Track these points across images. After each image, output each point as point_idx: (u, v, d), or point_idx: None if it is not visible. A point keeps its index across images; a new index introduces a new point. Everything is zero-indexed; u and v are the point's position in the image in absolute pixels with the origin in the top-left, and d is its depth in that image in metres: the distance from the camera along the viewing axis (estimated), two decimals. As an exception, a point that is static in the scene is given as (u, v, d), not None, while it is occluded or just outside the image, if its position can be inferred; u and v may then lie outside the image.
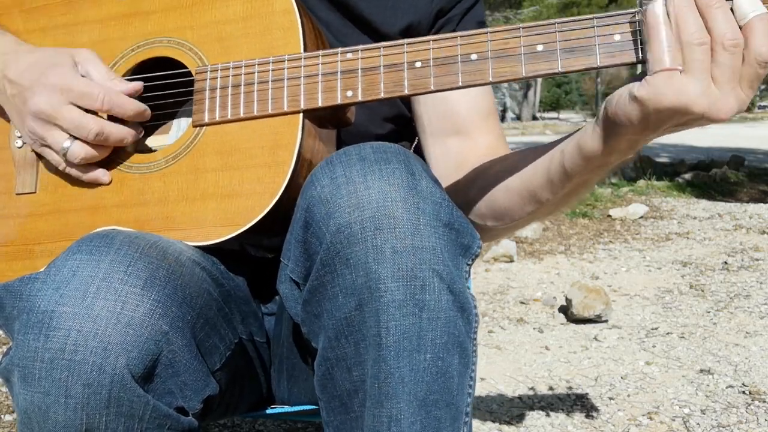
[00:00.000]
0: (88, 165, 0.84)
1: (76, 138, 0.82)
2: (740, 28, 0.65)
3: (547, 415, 1.84)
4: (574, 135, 0.79)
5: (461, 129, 1.00)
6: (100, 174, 0.85)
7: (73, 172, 0.85)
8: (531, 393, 1.98)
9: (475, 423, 1.80)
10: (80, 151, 0.82)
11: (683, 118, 0.67)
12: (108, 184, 0.85)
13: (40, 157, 0.88)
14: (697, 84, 0.65)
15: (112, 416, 0.64)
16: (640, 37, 0.71)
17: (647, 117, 0.68)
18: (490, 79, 0.75)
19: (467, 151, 0.99)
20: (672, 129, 0.71)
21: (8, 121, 0.89)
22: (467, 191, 0.94)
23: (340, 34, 0.99)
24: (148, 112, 0.86)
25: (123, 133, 0.84)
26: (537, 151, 0.85)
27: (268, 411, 0.95)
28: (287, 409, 0.94)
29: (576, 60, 0.73)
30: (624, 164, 0.82)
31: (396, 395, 0.65)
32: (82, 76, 0.83)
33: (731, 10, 0.66)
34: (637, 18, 0.71)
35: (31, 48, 0.88)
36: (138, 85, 0.85)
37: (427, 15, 1.01)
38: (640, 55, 0.71)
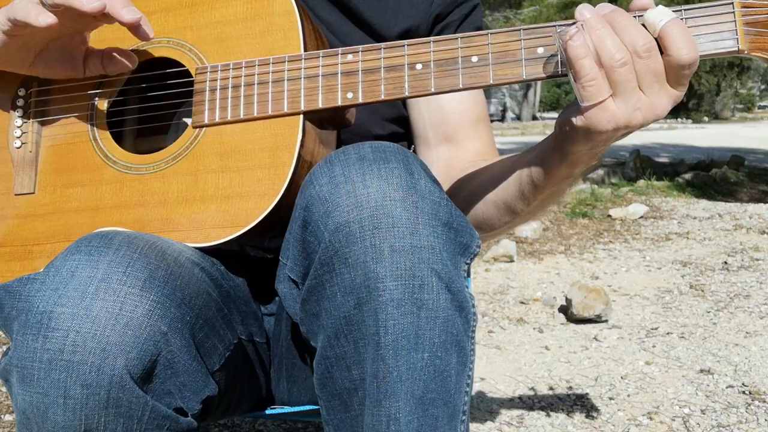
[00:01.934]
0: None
1: None
2: (656, 40, 0.68)
3: (547, 415, 1.84)
4: (538, 150, 0.82)
5: (451, 136, 1.03)
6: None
7: (45, 19, 0.75)
8: (531, 393, 1.98)
9: (475, 423, 1.80)
10: None
11: (626, 130, 0.71)
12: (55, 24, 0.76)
13: (43, 149, 0.87)
14: (629, 103, 0.69)
15: (110, 417, 0.64)
16: (561, 69, 0.72)
17: (592, 139, 0.72)
18: (491, 82, 0.75)
19: (455, 158, 1.02)
20: (623, 136, 0.74)
21: (6, 111, 0.89)
22: (454, 199, 0.95)
23: (341, 33, 1.00)
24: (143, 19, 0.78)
25: None
26: (510, 162, 0.88)
27: (268, 411, 0.95)
28: (287, 409, 0.94)
29: None
30: (591, 170, 0.86)
31: (394, 394, 0.65)
32: None
33: (643, 25, 0.69)
34: (556, 45, 0.71)
35: None
36: None
37: (425, 19, 1.02)
38: None
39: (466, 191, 0.95)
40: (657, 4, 0.71)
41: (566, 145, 0.75)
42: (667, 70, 0.68)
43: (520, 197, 0.86)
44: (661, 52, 0.68)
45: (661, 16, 0.68)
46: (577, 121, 0.71)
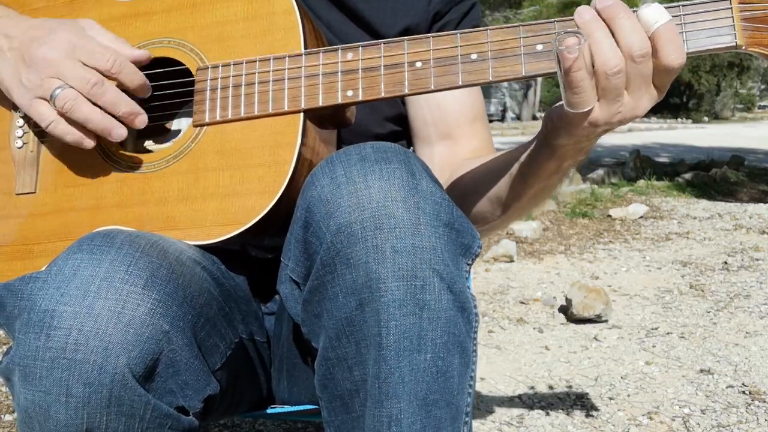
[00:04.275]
0: (73, 123, 0.79)
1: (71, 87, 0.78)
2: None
3: (547, 414, 1.84)
4: (527, 145, 0.84)
5: (449, 134, 1.04)
6: (84, 137, 0.80)
7: (56, 129, 0.79)
8: (531, 393, 1.99)
9: (475, 423, 1.80)
10: (70, 95, 0.77)
11: (606, 128, 0.72)
12: (92, 147, 0.81)
13: (45, 147, 0.87)
14: (612, 108, 0.70)
15: (112, 415, 0.64)
16: (557, 69, 0.71)
17: (574, 135, 0.75)
18: (490, 79, 0.75)
19: (453, 156, 1.03)
20: (605, 132, 0.76)
21: (9, 110, 0.89)
22: (450, 195, 0.95)
23: (340, 32, 1.00)
24: (149, 88, 0.83)
25: (121, 99, 0.79)
26: (501, 158, 0.90)
27: (268, 411, 0.95)
28: (287, 408, 0.94)
29: None
30: (579, 164, 0.87)
31: (396, 395, 0.64)
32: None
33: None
34: (553, 48, 0.71)
35: (35, 18, 0.87)
36: (147, 54, 0.83)
37: (424, 18, 1.02)
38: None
39: (461, 186, 0.97)
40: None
41: (551, 139, 0.77)
42: (654, 72, 0.69)
43: (511, 192, 0.87)
44: None
45: (657, 17, 0.68)
46: (559, 118, 0.74)
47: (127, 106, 0.79)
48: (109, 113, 0.79)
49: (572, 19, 0.71)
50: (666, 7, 0.72)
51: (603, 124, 0.71)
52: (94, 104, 0.78)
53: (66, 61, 0.78)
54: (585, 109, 0.70)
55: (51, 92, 0.78)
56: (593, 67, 0.69)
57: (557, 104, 0.75)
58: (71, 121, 0.79)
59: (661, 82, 0.70)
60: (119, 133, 0.80)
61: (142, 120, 0.81)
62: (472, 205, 0.93)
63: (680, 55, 0.68)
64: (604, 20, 0.69)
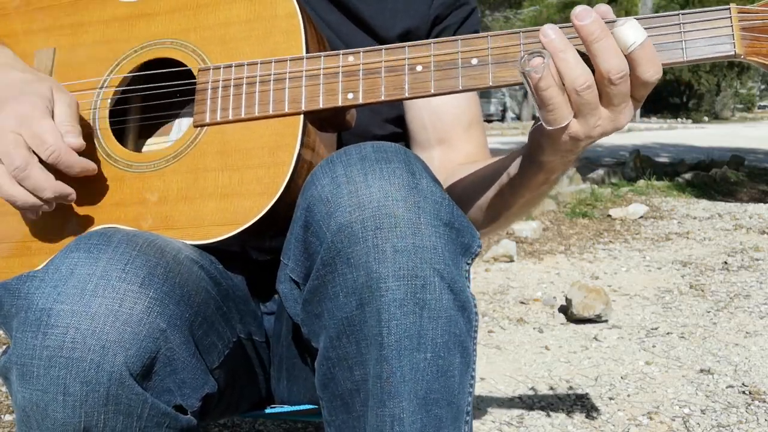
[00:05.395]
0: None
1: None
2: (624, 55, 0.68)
3: (547, 415, 1.84)
4: (514, 157, 0.84)
5: (444, 138, 1.04)
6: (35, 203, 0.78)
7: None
8: (531, 393, 1.98)
9: (475, 423, 1.80)
10: (1, 170, 0.76)
11: (589, 141, 0.72)
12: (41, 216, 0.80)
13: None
14: (589, 122, 0.70)
15: (110, 414, 0.64)
16: (528, 89, 0.71)
17: (558, 150, 0.74)
18: (491, 84, 0.76)
19: (447, 161, 1.03)
20: (589, 145, 0.76)
21: None
22: None
23: (342, 34, 1.00)
24: (92, 169, 0.80)
25: (45, 185, 0.76)
26: (492, 167, 0.90)
27: (268, 410, 0.95)
28: (287, 408, 0.93)
29: None
30: (567, 172, 0.89)
31: (398, 394, 0.64)
32: (52, 113, 0.79)
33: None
34: (519, 69, 0.70)
35: (22, 67, 0.87)
36: (89, 165, 0.80)
37: (424, 21, 1.03)
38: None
39: (454, 193, 0.96)
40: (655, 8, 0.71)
41: (537, 155, 0.78)
42: (632, 87, 0.69)
43: (501, 201, 0.88)
44: None
45: (634, 38, 0.67)
46: (541, 135, 0.74)
47: (51, 191, 0.77)
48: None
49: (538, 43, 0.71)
50: (666, 15, 0.72)
51: (584, 138, 0.71)
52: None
53: (8, 135, 0.75)
54: (562, 125, 0.70)
55: None
56: (564, 84, 0.68)
57: (537, 123, 0.75)
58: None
59: (640, 94, 0.70)
60: (44, 209, 0.79)
61: (72, 198, 0.79)
62: (465, 211, 0.93)
63: (657, 70, 0.68)
64: (582, 38, 0.67)
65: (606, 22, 0.68)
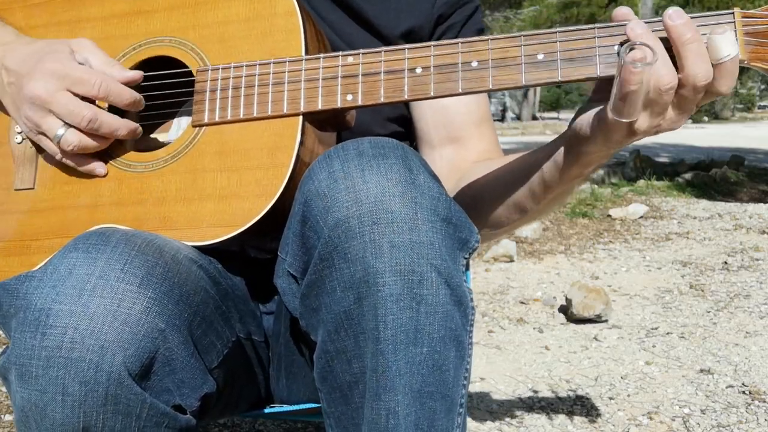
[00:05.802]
0: (84, 155, 0.84)
1: (70, 126, 0.81)
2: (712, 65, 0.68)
3: (547, 415, 1.84)
4: (550, 150, 0.83)
5: (456, 137, 1.03)
6: (96, 166, 0.84)
7: (69, 161, 0.84)
8: (531, 393, 1.98)
9: (475, 423, 1.80)
10: (74, 139, 0.81)
11: (643, 136, 0.73)
12: (104, 176, 0.84)
13: (40, 151, 0.87)
14: (657, 119, 0.70)
15: (109, 414, 0.64)
16: (616, 83, 0.69)
17: (610, 141, 0.73)
18: (490, 87, 0.75)
19: (460, 159, 1.02)
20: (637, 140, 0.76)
21: (8, 115, 0.89)
22: (459, 199, 0.95)
23: (343, 33, 1.00)
24: (143, 102, 0.86)
25: (117, 124, 0.82)
26: (519, 162, 0.89)
27: (267, 410, 0.95)
28: (286, 408, 0.93)
29: (576, 69, 0.74)
30: (600, 167, 0.87)
31: (393, 388, 0.65)
32: (80, 63, 0.83)
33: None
34: (616, 55, 0.69)
35: (29, 39, 0.88)
36: (137, 75, 0.85)
37: (428, 20, 1.02)
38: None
39: (473, 191, 0.96)
40: (660, 10, 0.70)
41: (582, 146, 0.76)
42: (704, 95, 0.70)
43: (530, 196, 0.87)
44: None
45: (728, 50, 0.67)
46: (598, 125, 0.73)
47: (124, 129, 0.83)
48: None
49: (577, 29, 0.71)
50: None
51: (641, 134, 0.71)
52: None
53: (57, 97, 0.80)
54: (632, 119, 0.69)
55: (54, 134, 0.81)
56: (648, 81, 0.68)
57: (593, 109, 0.73)
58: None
59: (703, 102, 0.71)
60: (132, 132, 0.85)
61: (139, 133, 0.86)
62: (489, 210, 0.93)
63: (733, 84, 0.69)
64: (673, 39, 0.68)
65: (697, 25, 0.68)
